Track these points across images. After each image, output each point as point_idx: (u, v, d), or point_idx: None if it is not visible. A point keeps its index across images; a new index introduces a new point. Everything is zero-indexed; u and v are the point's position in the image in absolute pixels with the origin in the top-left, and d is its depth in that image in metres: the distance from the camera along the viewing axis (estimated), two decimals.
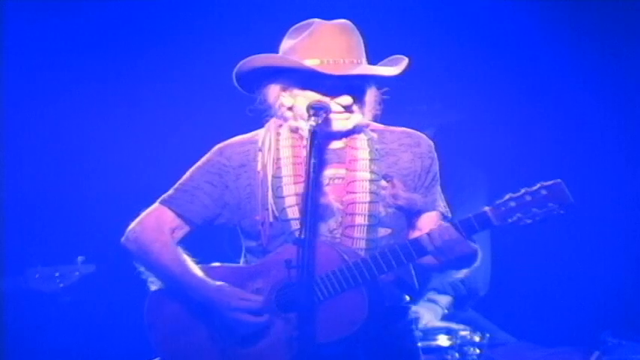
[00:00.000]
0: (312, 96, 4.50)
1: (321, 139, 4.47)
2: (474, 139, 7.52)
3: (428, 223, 4.59)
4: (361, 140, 4.63)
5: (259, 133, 4.69)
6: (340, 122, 4.55)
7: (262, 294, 4.53)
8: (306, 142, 4.35)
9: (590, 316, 7.24)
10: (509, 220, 4.28)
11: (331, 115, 4.51)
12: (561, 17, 7.34)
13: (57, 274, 6.11)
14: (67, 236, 7.20)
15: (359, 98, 4.56)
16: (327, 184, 4.57)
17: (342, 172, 4.60)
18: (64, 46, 7.40)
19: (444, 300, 7.21)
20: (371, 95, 4.60)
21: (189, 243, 4.72)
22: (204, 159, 4.70)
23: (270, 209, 4.54)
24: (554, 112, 7.54)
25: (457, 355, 6.56)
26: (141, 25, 7.36)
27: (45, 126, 7.42)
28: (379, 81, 4.61)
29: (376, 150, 4.63)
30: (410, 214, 4.65)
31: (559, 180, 4.27)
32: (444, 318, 7.12)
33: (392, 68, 4.57)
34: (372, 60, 4.62)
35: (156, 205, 4.70)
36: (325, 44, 4.51)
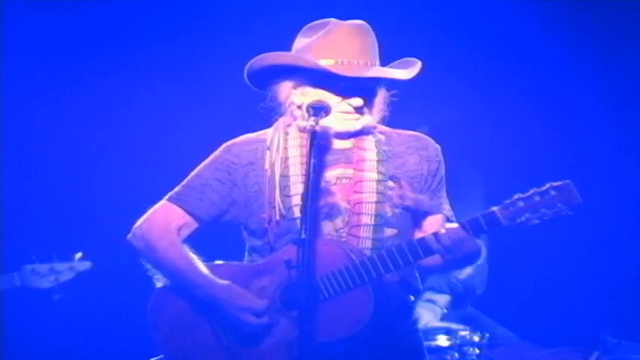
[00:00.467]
0: (323, 94, 4.50)
1: (328, 138, 4.51)
2: (470, 138, 7.51)
3: (433, 225, 4.59)
4: (369, 141, 4.64)
5: (267, 132, 4.69)
6: (350, 122, 4.56)
7: (267, 292, 4.54)
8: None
9: (590, 316, 7.24)
10: (518, 221, 4.27)
11: (341, 115, 4.53)
12: (560, 16, 7.34)
13: (51, 271, 6.08)
14: (66, 233, 7.18)
15: (369, 100, 4.57)
16: (335, 184, 4.58)
17: (349, 172, 4.60)
18: (75, 42, 7.39)
19: (443, 299, 7.21)
20: (381, 97, 4.61)
21: (193, 241, 4.71)
22: (212, 157, 4.70)
23: (277, 207, 4.54)
24: (551, 111, 7.55)
25: (456, 355, 6.56)
26: (150, 23, 7.35)
27: (46, 122, 7.41)
28: (389, 83, 4.62)
29: (384, 152, 4.64)
30: (416, 215, 4.66)
31: (568, 181, 4.26)
32: (444, 318, 7.11)
33: (405, 72, 4.58)
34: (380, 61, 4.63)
35: (163, 202, 4.70)
36: (341, 44, 4.52)
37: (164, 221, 4.64)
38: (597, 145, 7.48)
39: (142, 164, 7.37)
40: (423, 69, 4.59)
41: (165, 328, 4.66)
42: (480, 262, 4.52)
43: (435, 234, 4.35)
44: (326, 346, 4.35)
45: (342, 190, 4.57)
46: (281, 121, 4.67)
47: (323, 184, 4.54)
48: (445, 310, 7.17)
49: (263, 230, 4.59)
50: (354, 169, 4.60)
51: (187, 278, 4.59)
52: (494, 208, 4.30)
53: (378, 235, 4.54)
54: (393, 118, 4.72)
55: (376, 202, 4.56)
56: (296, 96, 4.57)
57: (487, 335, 6.66)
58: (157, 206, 4.69)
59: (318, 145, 4.33)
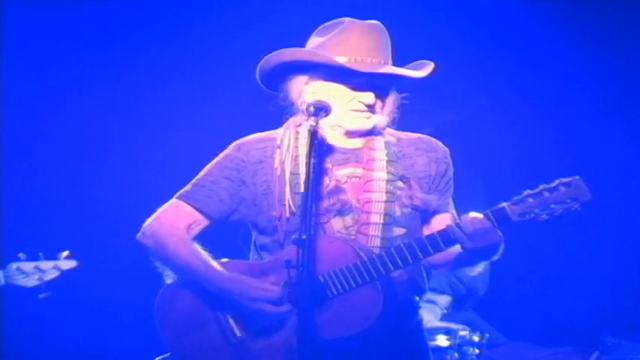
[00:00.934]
0: (336, 90, 4.51)
1: (338, 137, 4.55)
2: (473, 139, 7.52)
3: (442, 224, 4.57)
4: (379, 142, 4.65)
5: (277, 132, 4.71)
6: (361, 120, 4.58)
7: None
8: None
9: (590, 316, 7.25)
10: (527, 217, 4.28)
11: (352, 113, 4.55)
12: (560, 15, 7.36)
13: (36, 269, 6.04)
14: (55, 231, 7.15)
15: (381, 99, 4.59)
16: (346, 182, 4.60)
17: (359, 171, 4.62)
18: (76, 41, 7.39)
19: (443, 300, 7.22)
20: (392, 98, 4.63)
21: (200, 240, 4.70)
22: (221, 155, 4.71)
23: (287, 205, 4.55)
24: (552, 112, 7.57)
25: (456, 355, 6.57)
26: (161, 22, 7.35)
27: (46, 122, 7.39)
28: (400, 85, 4.64)
29: (393, 152, 4.66)
30: (425, 215, 4.68)
31: (577, 177, 4.28)
32: (444, 318, 7.12)
33: (418, 71, 4.60)
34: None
35: (173, 200, 4.70)
36: (354, 42, 4.54)
37: (174, 219, 4.65)
38: (597, 145, 7.50)
39: (141, 164, 7.36)
40: (435, 70, 4.61)
41: (172, 327, 4.66)
42: (496, 257, 4.50)
43: (457, 224, 4.35)
44: (334, 343, 4.36)
45: (353, 189, 4.59)
46: (292, 121, 4.68)
47: (334, 181, 4.56)
48: (445, 311, 7.18)
49: (272, 228, 4.60)
50: (364, 168, 4.62)
51: (200, 273, 4.58)
52: (504, 204, 4.31)
53: (386, 234, 4.56)
54: (398, 120, 4.73)
55: (385, 202, 4.57)
56: (308, 94, 4.57)
57: (487, 335, 6.67)
58: (166, 205, 4.70)
59: (318, 145, 4.34)
